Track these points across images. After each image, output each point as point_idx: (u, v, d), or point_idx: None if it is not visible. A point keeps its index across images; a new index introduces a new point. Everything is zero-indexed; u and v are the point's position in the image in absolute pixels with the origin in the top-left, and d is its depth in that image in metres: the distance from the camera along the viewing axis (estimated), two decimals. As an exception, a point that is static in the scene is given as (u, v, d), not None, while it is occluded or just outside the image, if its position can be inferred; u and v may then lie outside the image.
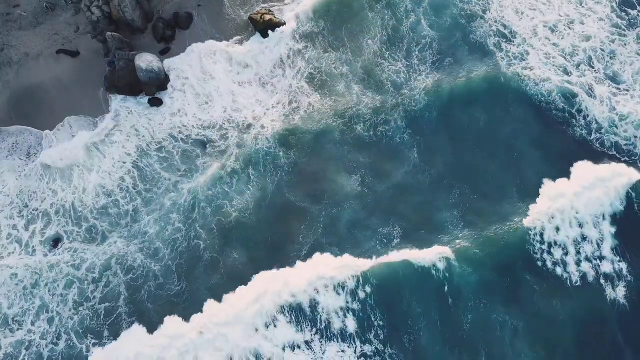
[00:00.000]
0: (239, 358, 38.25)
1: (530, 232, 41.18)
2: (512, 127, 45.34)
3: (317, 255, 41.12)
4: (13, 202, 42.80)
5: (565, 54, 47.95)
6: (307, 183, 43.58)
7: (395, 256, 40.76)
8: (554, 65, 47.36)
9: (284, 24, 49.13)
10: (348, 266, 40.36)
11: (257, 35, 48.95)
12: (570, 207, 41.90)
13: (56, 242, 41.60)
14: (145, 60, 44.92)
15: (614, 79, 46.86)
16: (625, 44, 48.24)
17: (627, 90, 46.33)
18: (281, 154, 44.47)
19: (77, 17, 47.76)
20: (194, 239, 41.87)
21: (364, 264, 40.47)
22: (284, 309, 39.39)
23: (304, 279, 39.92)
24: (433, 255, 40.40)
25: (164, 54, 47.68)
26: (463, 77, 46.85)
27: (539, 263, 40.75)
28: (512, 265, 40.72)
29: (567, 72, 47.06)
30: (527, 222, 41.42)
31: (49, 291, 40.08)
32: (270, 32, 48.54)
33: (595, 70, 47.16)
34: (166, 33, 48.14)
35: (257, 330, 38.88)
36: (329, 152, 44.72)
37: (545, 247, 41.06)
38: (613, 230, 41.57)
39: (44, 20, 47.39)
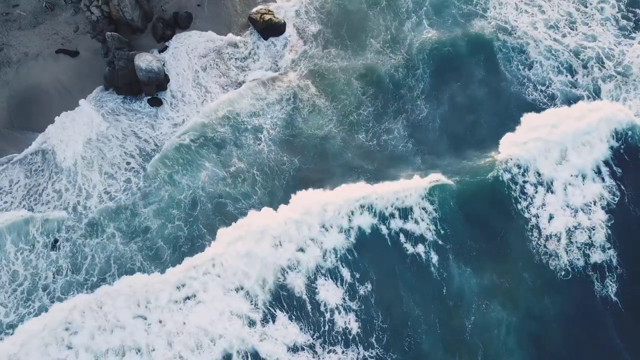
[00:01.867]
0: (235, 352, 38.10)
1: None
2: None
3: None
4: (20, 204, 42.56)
5: (570, 51, 48.21)
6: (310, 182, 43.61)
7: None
8: (556, 60, 47.75)
9: (284, 23, 49.08)
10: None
11: (257, 35, 48.90)
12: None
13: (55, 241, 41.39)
14: (145, 60, 44.80)
15: (624, 74, 47.23)
16: (631, 45, 48.47)
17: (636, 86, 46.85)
18: (285, 158, 44.34)
19: (77, 16, 47.62)
20: (198, 237, 41.56)
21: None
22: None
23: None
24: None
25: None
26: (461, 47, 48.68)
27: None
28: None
29: (570, 71, 47.38)
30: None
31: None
32: (270, 33, 48.65)
33: (605, 68, 47.52)
34: (166, 33, 48.07)
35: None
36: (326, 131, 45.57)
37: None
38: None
39: (43, 19, 47.20)
